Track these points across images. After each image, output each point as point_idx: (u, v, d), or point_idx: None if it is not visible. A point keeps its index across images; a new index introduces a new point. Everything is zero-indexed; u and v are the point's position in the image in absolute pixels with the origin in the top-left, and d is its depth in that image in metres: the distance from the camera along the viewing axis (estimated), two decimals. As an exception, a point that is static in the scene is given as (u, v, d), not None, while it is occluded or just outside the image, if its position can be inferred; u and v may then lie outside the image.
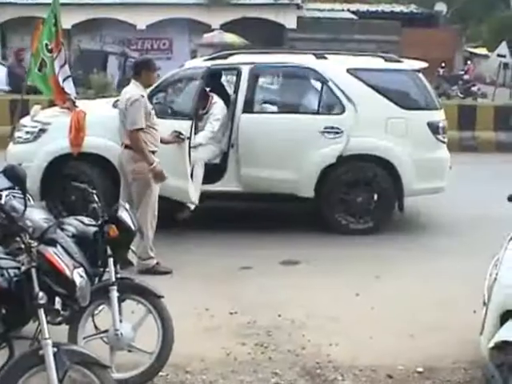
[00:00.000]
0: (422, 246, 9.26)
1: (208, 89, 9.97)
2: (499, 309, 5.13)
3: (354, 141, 9.66)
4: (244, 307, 7.27)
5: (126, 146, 8.08)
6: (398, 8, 41.38)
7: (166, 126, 8.58)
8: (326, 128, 9.67)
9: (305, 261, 8.80)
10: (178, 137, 8.76)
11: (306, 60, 10.08)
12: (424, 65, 10.50)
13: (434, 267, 8.61)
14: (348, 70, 9.91)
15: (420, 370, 6.02)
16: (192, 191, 8.93)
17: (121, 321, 5.40)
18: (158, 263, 8.16)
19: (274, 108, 10.46)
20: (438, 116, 10.03)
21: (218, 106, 9.95)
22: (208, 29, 30.63)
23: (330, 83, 9.83)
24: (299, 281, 8.12)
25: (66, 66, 10.16)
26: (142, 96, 7.95)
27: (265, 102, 10.36)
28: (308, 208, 10.37)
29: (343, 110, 9.80)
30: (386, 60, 10.29)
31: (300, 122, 9.84)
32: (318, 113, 9.87)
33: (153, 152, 8.02)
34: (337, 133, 9.69)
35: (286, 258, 8.84)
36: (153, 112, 8.11)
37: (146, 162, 7.89)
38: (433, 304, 7.41)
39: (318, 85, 10.12)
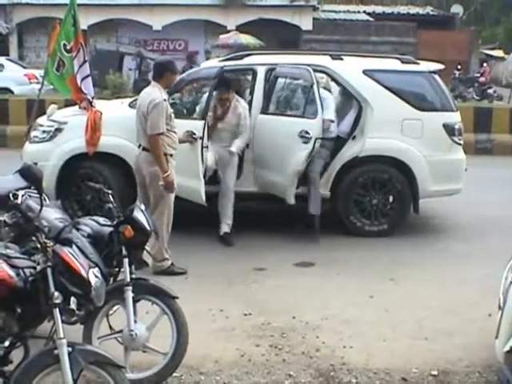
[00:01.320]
0: (437, 249, 9.24)
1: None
2: (515, 313, 5.11)
3: (369, 142, 9.66)
4: (258, 309, 7.26)
5: (144, 149, 8.03)
6: (413, 10, 41.36)
7: (181, 127, 8.58)
8: None
9: (319, 263, 8.78)
10: (190, 136, 8.77)
11: (323, 61, 10.06)
12: (440, 66, 10.47)
13: (449, 270, 8.59)
14: (364, 72, 9.89)
15: (434, 373, 5.99)
16: (204, 191, 8.91)
17: (135, 321, 5.40)
18: (172, 264, 8.16)
19: (289, 109, 10.44)
20: (454, 118, 9.99)
21: (243, 110, 9.69)
22: (224, 30, 30.68)
23: (346, 84, 9.83)
24: (313, 283, 8.10)
25: (86, 65, 10.16)
26: (165, 100, 7.84)
27: (280, 103, 10.33)
28: (322, 209, 10.35)
29: (360, 110, 9.81)
30: (402, 62, 10.26)
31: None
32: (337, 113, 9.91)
33: (171, 155, 7.97)
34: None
35: (300, 259, 8.83)
36: (172, 115, 8.02)
37: (161, 169, 7.82)
38: (448, 307, 7.38)
39: (334, 86, 10.13)
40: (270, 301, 7.46)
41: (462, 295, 7.71)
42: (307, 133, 9.00)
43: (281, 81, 10.04)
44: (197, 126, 8.94)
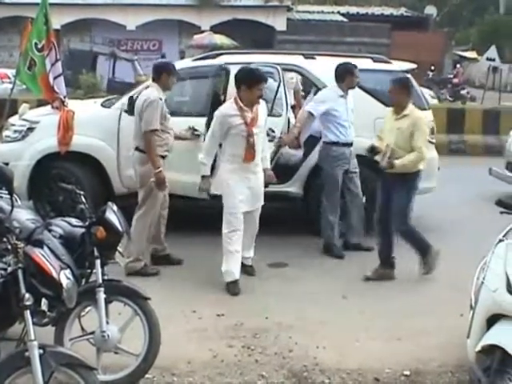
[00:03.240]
0: (409, 250, 9.26)
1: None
2: (486, 312, 5.14)
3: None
4: (231, 310, 7.26)
5: (137, 149, 8.13)
6: (387, 11, 41.52)
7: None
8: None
9: (293, 264, 8.79)
10: (192, 133, 9.03)
11: (295, 60, 10.09)
12: (412, 66, 10.53)
13: (415, 269, 8.62)
14: None
15: (407, 373, 6.02)
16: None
17: (107, 322, 5.38)
18: (145, 265, 8.16)
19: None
20: (427, 117, 10.03)
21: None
22: (198, 30, 30.66)
23: (319, 83, 9.86)
24: (287, 283, 8.11)
25: (58, 64, 10.10)
26: (160, 99, 7.98)
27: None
28: (296, 210, 10.37)
29: None
30: (374, 61, 10.32)
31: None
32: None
33: (163, 157, 8.08)
34: None
35: (273, 260, 8.83)
36: (168, 116, 8.18)
37: (153, 165, 7.93)
38: (420, 307, 7.42)
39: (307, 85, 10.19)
40: (242, 301, 7.46)
41: (434, 295, 7.76)
42: (272, 131, 9.17)
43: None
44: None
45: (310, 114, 9.18)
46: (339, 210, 9.24)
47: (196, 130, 8.92)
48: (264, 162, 8.10)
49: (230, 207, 7.75)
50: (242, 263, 7.94)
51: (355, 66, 9.29)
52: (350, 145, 9.19)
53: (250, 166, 7.79)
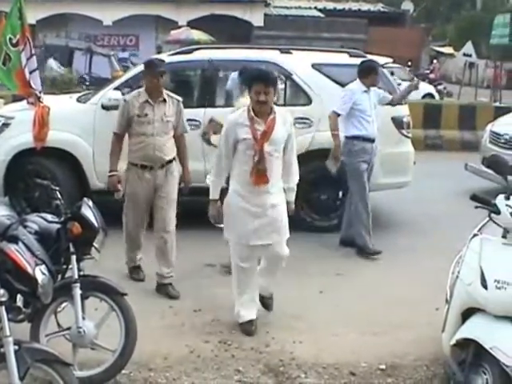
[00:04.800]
0: (385, 245, 9.31)
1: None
2: (461, 306, 5.21)
3: (319, 135, 9.68)
4: (208, 305, 7.26)
5: None
6: (365, 6, 41.65)
7: None
8: (295, 119, 9.74)
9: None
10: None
11: (271, 55, 10.12)
12: (388, 60, 10.60)
13: (396, 265, 8.68)
14: (313, 65, 10.02)
15: (382, 367, 6.05)
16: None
17: (83, 318, 5.37)
18: (131, 271, 8.06)
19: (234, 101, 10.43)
20: (402, 111, 10.12)
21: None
22: (175, 25, 30.58)
23: (295, 77, 9.90)
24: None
25: (33, 59, 10.03)
26: (125, 100, 7.62)
27: (229, 97, 10.34)
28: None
29: (310, 102, 9.91)
30: (350, 55, 10.39)
31: None
32: (284, 105, 9.89)
33: (143, 166, 7.53)
34: (305, 123, 9.78)
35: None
36: (144, 119, 7.48)
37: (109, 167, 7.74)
38: (396, 302, 7.46)
39: (282, 79, 10.17)
40: (219, 297, 7.46)
41: (410, 290, 7.80)
42: (306, 118, 9.46)
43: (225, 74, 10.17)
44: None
45: (337, 114, 9.05)
46: (368, 207, 9.12)
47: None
48: (288, 193, 6.67)
49: (235, 236, 6.60)
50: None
51: (379, 64, 9.41)
52: (372, 140, 9.09)
53: (261, 192, 6.42)
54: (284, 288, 7.65)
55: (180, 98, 7.77)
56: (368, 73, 9.07)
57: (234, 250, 6.69)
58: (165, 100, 7.57)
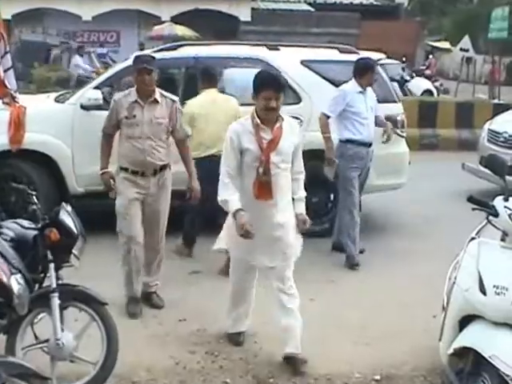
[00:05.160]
0: (379, 249, 9.34)
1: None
2: (458, 313, 5.20)
3: (309, 135, 9.63)
4: (193, 314, 7.25)
5: None
6: (356, 0, 41.60)
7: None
8: None
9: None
10: None
11: (258, 52, 10.14)
12: (381, 56, 10.64)
13: (391, 270, 8.69)
14: (302, 62, 10.04)
15: (377, 377, 6.06)
16: None
17: (62, 329, 5.35)
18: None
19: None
20: (397, 109, 10.16)
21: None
22: (158, 21, 30.56)
23: (283, 74, 9.84)
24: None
25: (8, 56, 9.97)
26: (114, 100, 7.38)
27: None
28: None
29: (299, 100, 9.91)
30: (340, 51, 10.41)
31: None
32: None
33: (134, 172, 7.24)
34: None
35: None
36: (135, 121, 7.20)
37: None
38: (391, 309, 7.47)
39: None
40: (206, 306, 7.45)
41: (406, 296, 7.81)
42: (296, 118, 9.18)
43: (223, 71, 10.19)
44: None
45: (327, 116, 8.97)
46: (358, 216, 9.07)
47: None
48: (296, 205, 6.27)
49: (237, 253, 6.39)
50: None
51: (376, 63, 9.33)
52: (367, 145, 9.00)
53: (266, 208, 6.09)
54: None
55: (176, 98, 7.52)
56: (364, 72, 8.93)
57: (234, 266, 6.54)
58: (156, 100, 7.26)
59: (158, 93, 7.32)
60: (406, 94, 21.27)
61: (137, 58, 7.55)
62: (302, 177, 6.36)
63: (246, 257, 6.26)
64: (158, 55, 9.73)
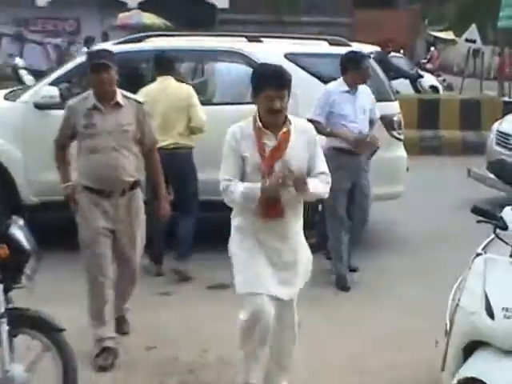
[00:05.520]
0: (374, 267, 9.35)
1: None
2: (463, 339, 5.17)
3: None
4: (163, 341, 7.24)
5: None
6: (349, -15, 41.66)
7: None
8: None
9: (237, 285, 8.79)
10: None
11: (237, 44, 10.17)
12: (376, 49, 10.66)
13: (388, 291, 8.70)
14: (286, 56, 10.03)
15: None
16: None
17: (12, 360, 5.33)
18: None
19: (202, 99, 10.41)
20: (393, 109, 10.18)
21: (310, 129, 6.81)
22: (123, 8, 30.56)
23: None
24: (230, 309, 7.98)
25: None
26: (68, 106, 7.03)
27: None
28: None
29: None
30: (330, 43, 10.45)
31: (235, 114, 9.87)
32: (252, 102, 9.89)
33: (100, 192, 6.86)
34: None
35: (214, 281, 8.82)
36: (95, 130, 6.81)
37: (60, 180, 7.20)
38: (386, 336, 7.47)
39: (250, 72, 10.19)
40: (177, 331, 7.46)
41: (403, 321, 7.83)
42: None
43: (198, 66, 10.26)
44: None
45: (316, 122, 8.43)
46: (345, 233, 9.05)
47: None
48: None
49: (244, 285, 5.74)
50: None
51: (364, 56, 9.17)
52: (357, 154, 8.81)
53: (275, 228, 5.72)
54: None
55: (142, 100, 7.24)
56: (345, 67, 8.85)
57: (244, 301, 5.76)
58: (119, 103, 6.88)
59: (120, 94, 6.94)
60: (419, 91, 21.19)
61: (92, 53, 7.28)
62: (325, 177, 5.79)
63: (259, 282, 5.66)
64: (119, 48, 9.75)
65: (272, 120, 5.61)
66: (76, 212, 7.04)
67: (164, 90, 9.01)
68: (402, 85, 20.31)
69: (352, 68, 8.81)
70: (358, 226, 9.19)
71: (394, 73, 19.38)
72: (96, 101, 6.84)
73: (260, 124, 5.63)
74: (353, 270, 9.12)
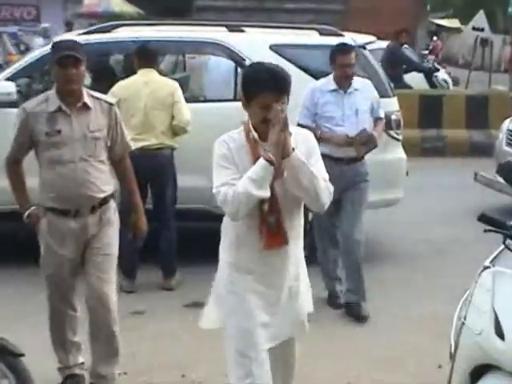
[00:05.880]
0: (369, 279, 9.34)
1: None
2: (469, 363, 5.14)
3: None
4: (136, 366, 7.23)
5: None
6: (341, -33, 41.71)
7: None
8: None
9: (217, 303, 8.79)
10: None
11: (216, 34, 10.19)
12: (371, 39, 10.67)
13: (385, 307, 8.71)
14: (271, 47, 10.07)
15: None
16: None
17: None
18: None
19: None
20: (390, 106, 10.17)
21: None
22: (89, -7, 30.53)
23: (248, 62, 9.89)
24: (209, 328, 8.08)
25: None
26: (24, 109, 6.49)
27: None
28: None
29: None
30: (321, 33, 10.45)
31: (214, 112, 9.89)
32: (234, 100, 9.94)
33: (65, 212, 6.43)
34: None
35: (190, 299, 8.80)
36: (60, 138, 6.35)
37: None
38: (385, 359, 7.47)
39: (232, 65, 10.22)
40: (151, 355, 7.45)
41: (403, 342, 7.85)
42: None
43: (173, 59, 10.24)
44: None
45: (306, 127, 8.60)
46: (333, 246, 9.01)
47: None
48: None
49: (236, 338, 5.36)
50: None
51: (350, 47, 8.88)
52: (345, 161, 8.61)
53: (276, 258, 5.28)
54: None
55: (113, 101, 6.82)
56: (332, 61, 8.70)
57: (233, 359, 5.41)
58: (87, 105, 6.42)
59: (87, 94, 6.48)
60: (435, 86, 21.12)
61: (58, 43, 6.71)
62: (323, 183, 5.20)
63: (255, 334, 5.27)
64: (85, 39, 9.72)
65: (267, 130, 5.03)
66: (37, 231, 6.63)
67: (147, 84, 9.03)
68: (415, 79, 20.36)
69: (334, 61, 8.65)
70: (347, 248, 8.79)
71: (407, 66, 19.53)
72: (60, 103, 6.35)
73: (255, 135, 5.16)
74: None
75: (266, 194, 4.98)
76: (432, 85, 21.12)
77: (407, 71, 19.79)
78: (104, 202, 6.53)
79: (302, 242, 5.50)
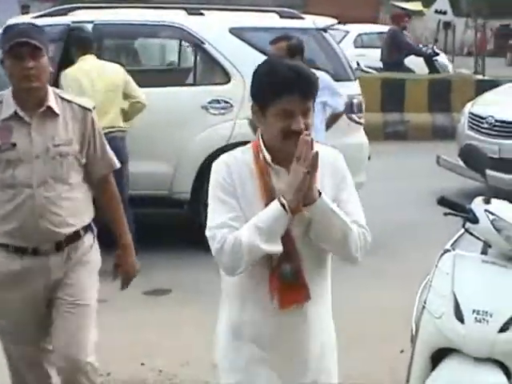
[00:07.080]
0: (335, 268, 9.37)
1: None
2: (430, 347, 5.19)
3: (241, 123, 9.63)
4: (95, 355, 7.19)
5: None
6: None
7: None
8: (209, 102, 9.75)
9: (177, 289, 8.82)
10: None
11: (174, 17, 10.17)
12: (332, 22, 10.67)
13: (350, 294, 8.73)
14: (231, 30, 10.09)
15: None
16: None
17: None
18: None
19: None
20: (351, 89, 10.20)
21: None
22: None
23: (208, 46, 9.90)
24: (169, 316, 8.09)
25: None
26: None
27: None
28: (183, 217, 10.35)
29: (228, 79, 9.96)
30: (281, 16, 10.45)
31: (172, 97, 9.88)
32: (194, 84, 9.95)
33: (20, 250, 5.16)
34: (223, 107, 9.85)
35: (151, 286, 8.82)
36: (15, 154, 5.07)
37: None
38: (349, 346, 7.49)
39: (191, 49, 10.22)
40: (110, 343, 7.39)
41: (365, 327, 7.91)
42: (224, 101, 9.78)
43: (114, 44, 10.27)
44: None
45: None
46: None
47: None
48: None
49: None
50: None
51: (285, 37, 8.59)
52: None
53: (290, 319, 4.32)
54: (197, 327, 7.67)
55: (90, 105, 5.40)
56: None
57: None
58: (53, 111, 5.17)
59: (54, 95, 5.23)
60: (437, 71, 21.14)
61: (8, 28, 5.33)
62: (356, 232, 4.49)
63: None
64: (41, 22, 9.63)
65: (289, 149, 3.90)
66: None
67: (89, 72, 9.00)
68: (411, 63, 20.57)
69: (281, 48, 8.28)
70: None
71: (406, 51, 19.65)
72: (16, 106, 5.11)
73: (267, 156, 4.06)
74: None
75: (277, 248, 3.94)
76: (432, 69, 21.21)
77: (406, 55, 20.00)
78: (75, 237, 5.31)
79: (329, 298, 4.76)
